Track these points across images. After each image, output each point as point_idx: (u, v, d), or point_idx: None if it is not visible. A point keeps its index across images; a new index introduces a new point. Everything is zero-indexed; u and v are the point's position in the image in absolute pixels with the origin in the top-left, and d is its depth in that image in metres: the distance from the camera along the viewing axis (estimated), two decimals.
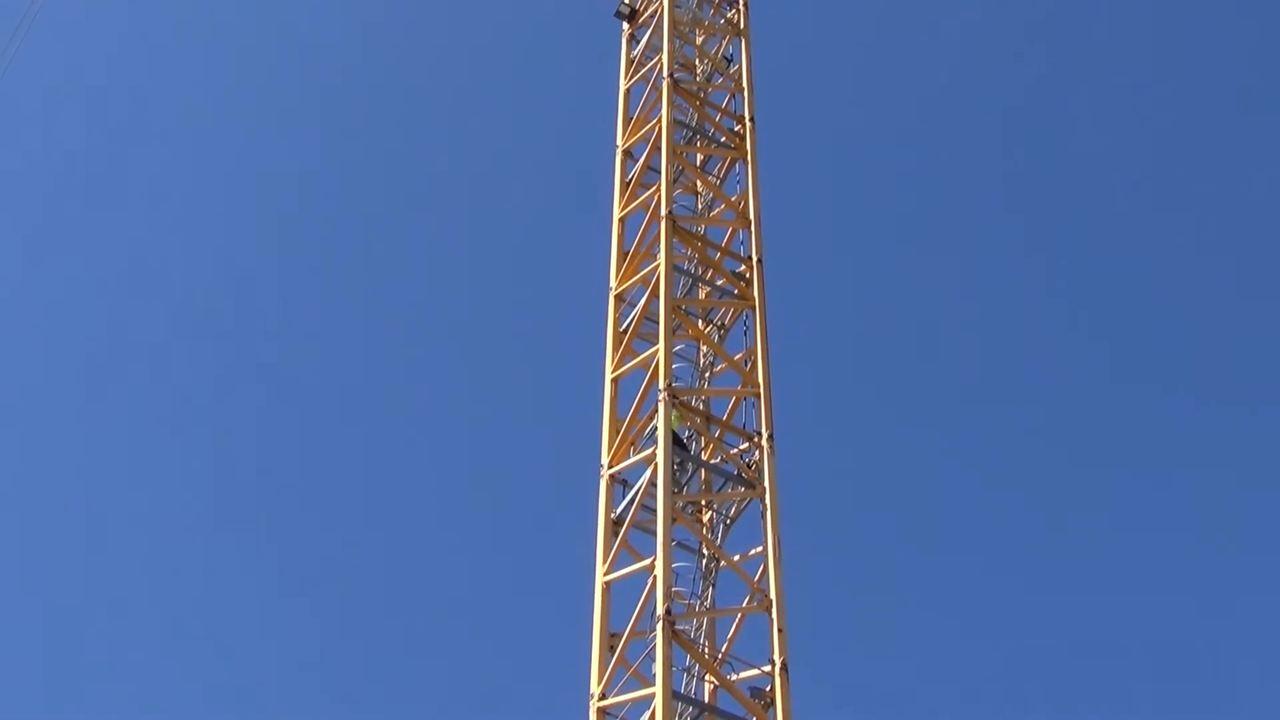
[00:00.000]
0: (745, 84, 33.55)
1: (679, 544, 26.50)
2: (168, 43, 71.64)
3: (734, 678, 25.77)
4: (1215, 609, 57.67)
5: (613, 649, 25.29)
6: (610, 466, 27.66)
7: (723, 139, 32.82)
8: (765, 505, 27.05)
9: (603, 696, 24.80)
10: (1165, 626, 58.19)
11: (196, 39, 70.93)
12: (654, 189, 30.83)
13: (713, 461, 28.49)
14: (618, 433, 28.01)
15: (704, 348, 30.17)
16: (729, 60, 34.47)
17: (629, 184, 31.75)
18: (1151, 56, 69.15)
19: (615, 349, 29.25)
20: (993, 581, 60.50)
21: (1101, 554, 60.30)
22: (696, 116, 32.96)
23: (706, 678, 25.93)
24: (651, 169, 31.63)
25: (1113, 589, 58.35)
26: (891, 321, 65.55)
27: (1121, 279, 65.37)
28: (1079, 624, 58.16)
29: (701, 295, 30.71)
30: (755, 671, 25.61)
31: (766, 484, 27.24)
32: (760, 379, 28.71)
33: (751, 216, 31.13)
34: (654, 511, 25.99)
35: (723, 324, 30.62)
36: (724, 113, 33.37)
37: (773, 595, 25.84)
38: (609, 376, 28.93)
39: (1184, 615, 58.30)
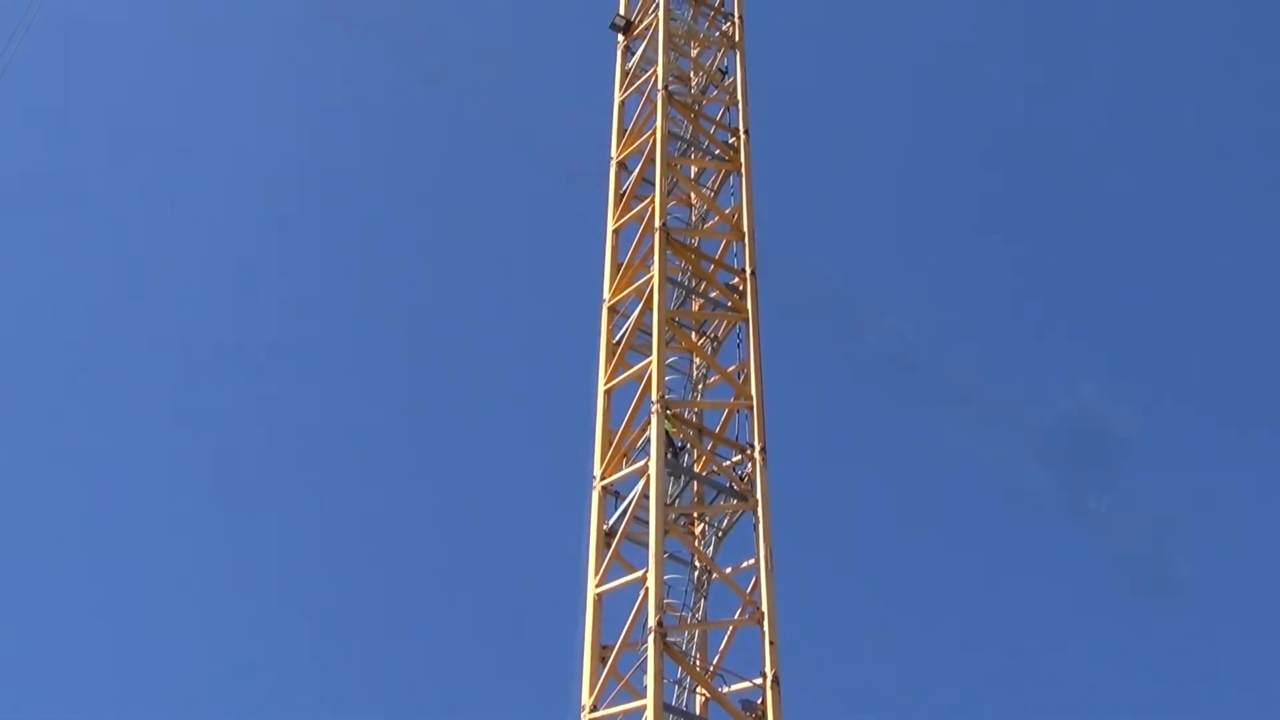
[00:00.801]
0: (740, 97, 33.53)
1: (671, 556, 26.46)
2: (168, 43, 71.61)
3: (725, 690, 25.70)
4: (1215, 609, 57.80)
5: (604, 661, 25.23)
6: (602, 478, 27.65)
7: (717, 151, 32.80)
8: (757, 518, 26.99)
9: (594, 708, 24.77)
10: (1165, 627, 58.29)
11: (196, 39, 70.94)
12: (648, 201, 30.82)
13: (705, 474, 28.51)
14: (610, 444, 28.04)
15: (697, 360, 30.20)
16: (724, 73, 34.45)
17: (623, 196, 31.72)
18: (1148, 59, 69.33)
19: (608, 361, 29.25)
20: (989, 593, 60.53)
21: (1098, 559, 60.35)
22: (691, 129, 32.94)
23: (698, 690, 25.92)
24: (646, 181, 31.57)
25: (1110, 591, 58.44)
26: (886, 334, 65.47)
27: (1119, 281, 65.61)
28: (1077, 632, 58.27)
29: (695, 307, 30.74)
30: (747, 684, 25.50)
31: (759, 496, 27.19)
32: (753, 391, 28.70)
33: (745, 229, 31.15)
34: (646, 523, 26.00)
35: (716, 336, 30.63)
36: (718, 125, 33.37)
37: (764, 608, 25.79)
38: (602, 388, 28.91)
39: (1183, 616, 58.37)
